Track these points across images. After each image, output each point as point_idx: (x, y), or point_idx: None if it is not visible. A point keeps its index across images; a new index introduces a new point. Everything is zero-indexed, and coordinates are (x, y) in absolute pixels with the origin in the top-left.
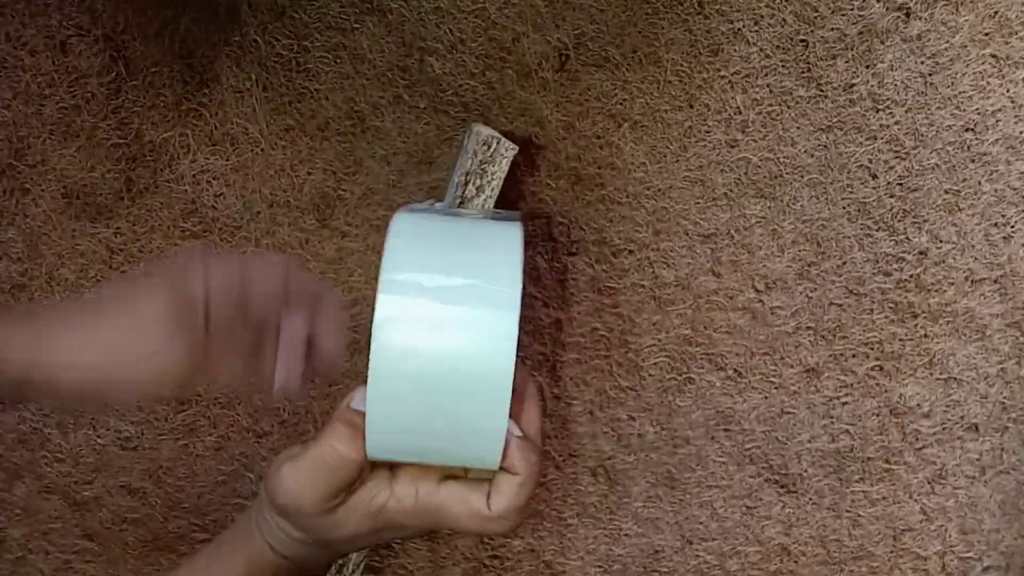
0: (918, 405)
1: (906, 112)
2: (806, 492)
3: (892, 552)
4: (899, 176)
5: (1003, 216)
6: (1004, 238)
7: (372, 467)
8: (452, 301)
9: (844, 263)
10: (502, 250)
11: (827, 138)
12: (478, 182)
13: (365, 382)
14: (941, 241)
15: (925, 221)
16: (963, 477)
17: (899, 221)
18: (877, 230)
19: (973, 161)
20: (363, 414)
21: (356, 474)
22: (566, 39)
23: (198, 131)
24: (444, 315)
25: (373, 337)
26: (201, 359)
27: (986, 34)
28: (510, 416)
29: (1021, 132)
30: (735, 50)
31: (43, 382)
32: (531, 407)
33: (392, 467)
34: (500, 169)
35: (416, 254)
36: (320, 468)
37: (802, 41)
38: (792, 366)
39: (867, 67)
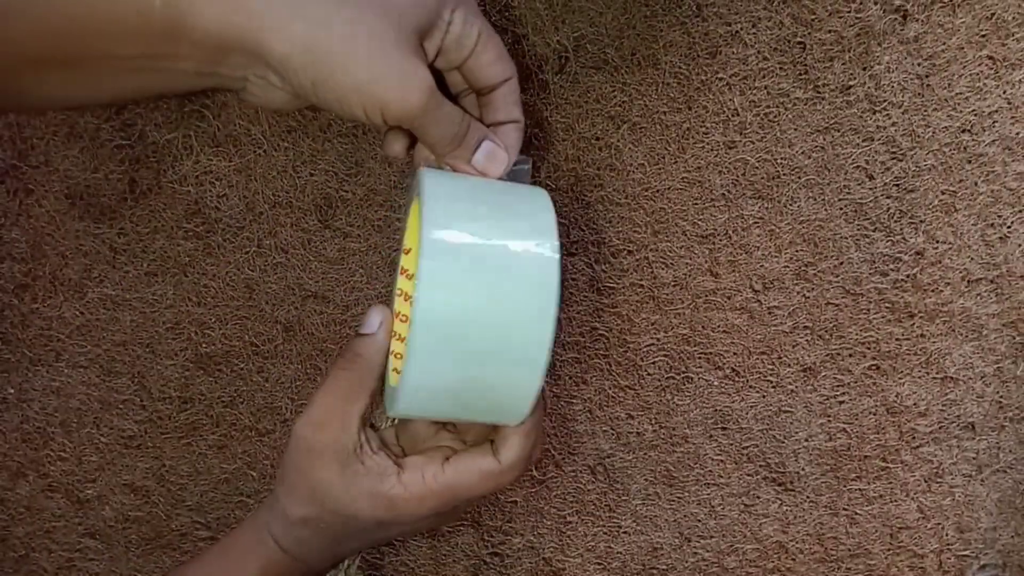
0: (915, 404)
1: (903, 114)
2: (803, 490)
3: (889, 550)
4: (896, 177)
5: (999, 217)
6: (1000, 238)
7: (376, 452)
8: (496, 266)
9: (841, 263)
10: (540, 215)
11: (824, 140)
12: None
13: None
14: (938, 241)
15: (922, 222)
16: (960, 475)
17: (896, 222)
18: (874, 231)
19: (970, 162)
20: (369, 337)
21: (364, 387)
22: (565, 42)
23: (201, 132)
24: (488, 280)
25: (416, 297)
26: (434, 89)
27: (983, 36)
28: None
29: (1017, 133)
30: (733, 52)
31: (251, 45)
32: None
33: (397, 459)
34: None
35: (457, 213)
36: (335, 380)
37: (799, 43)
38: (789, 365)
39: (864, 69)
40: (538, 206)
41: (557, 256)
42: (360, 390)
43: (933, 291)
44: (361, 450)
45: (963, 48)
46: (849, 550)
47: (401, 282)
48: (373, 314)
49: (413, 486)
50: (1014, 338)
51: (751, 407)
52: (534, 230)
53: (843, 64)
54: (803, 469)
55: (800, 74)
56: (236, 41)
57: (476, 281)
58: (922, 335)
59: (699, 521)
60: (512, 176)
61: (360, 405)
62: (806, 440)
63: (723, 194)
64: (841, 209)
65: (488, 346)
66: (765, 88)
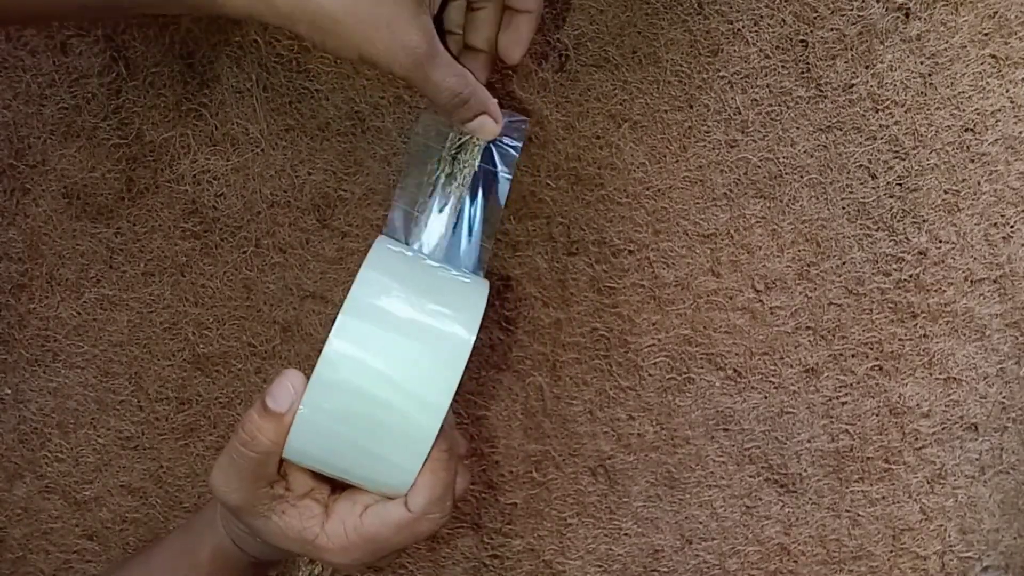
0: (917, 405)
1: (905, 112)
2: (805, 492)
3: (891, 552)
4: (898, 176)
5: (1002, 216)
6: (1003, 238)
7: (303, 497)
8: (409, 338)
9: (843, 263)
10: (471, 302)
11: (826, 138)
12: (448, 169)
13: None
14: (940, 241)
15: (924, 221)
16: (962, 477)
17: (898, 221)
18: (876, 230)
19: (972, 161)
20: (276, 417)
21: (266, 465)
22: (566, 39)
23: (198, 131)
24: (398, 349)
25: (327, 346)
26: (425, 58)
27: (985, 34)
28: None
29: (1020, 132)
30: (734, 50)
31: (267, 16)
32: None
33: (327, 506)
34: (471, 157)
35: (388, 283)
36: (234, 457)
37: (801, 41)
38: (791, 366)
39: (866, 67)
40: (474, 295)
41: (470, 342)
42: (264, 470)
43: (936, 291)
44: (283, 500)
45: (966, 47)
46: (851, 552)
47: None
48: (284, 386)
49: (336, 538)
50: (1017, 338)
51: (753, 408)
52: (458, 314)
53: (845, 62)
54: (805, 471)
55: (802, 72)
56: (256, 14)
57: (385, 349)
58: (925, 335)
59: (700, 523)
60: (507, 135)
61: (267, 479)
62: (808, 441)
63: (725, 193)
64: (843, 208)
65: (379, 415)
66: (767, 86)
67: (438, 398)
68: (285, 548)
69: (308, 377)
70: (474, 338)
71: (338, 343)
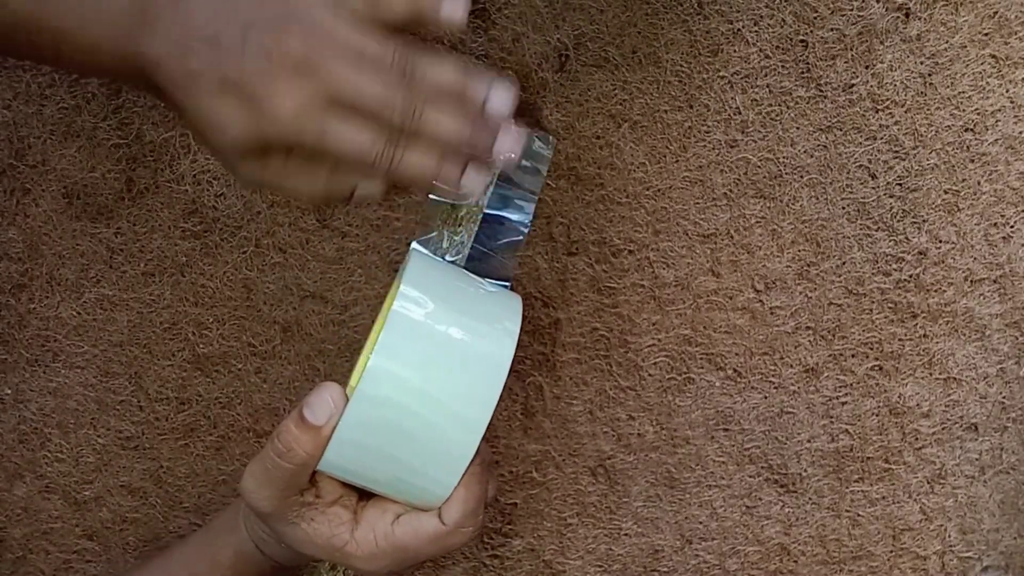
0: (917, 405)
1: (905, 112)
2: (805, 492)
3: (891, 552)
4: (898, 176)
5: (1002, 216)
6: (1003, 238)
7: (332, 504)
8: (450, 354)
9: (843, 263)
10: (507, 322)
11: (826, 138)
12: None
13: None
14: (940, 241)
15: (924, 221)
16: (962, 477)
17: (898, 221)
18: (876, 230)
19: (972, 161)
20: (313, 431)
21: (300, 476)
22: (566, 39)
23: None
24: (439, 366)
25: (370, 363)
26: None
27: (985, 34)
28: None
29: (1020, 132)
30: (734, 50)
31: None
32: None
33: (355, 512)
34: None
35: (428, 300)
36: (268, 467)
37: (801, 41)
38: (791, 366)
39: (866, 67)
40: (509, 310)
41: (509, 358)
42: (297, 480)
43: (936, 291)
44: (312, 507)
45: (966, 47)
46: (851, 552)
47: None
48: (324, 399)
49: (365, 545)
50: (1017, 338)
51: (753, 408)
52: (496, 330)
53: (845, 62)
54: (805, 471)
55: (802, 72)
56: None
57: (426, 366)
58: (925, 335)
59: (700, 523)
60: (532, 156)
61: (299, 488)
62: (808, 441)
63: (725, 193)
64: (843, 208)
65: (419, 431)
66: (767, 86)
67: (478, 414)
68: (312, 554)
69: (341, 386)
70: (512, 354)
71: (380, 360)
